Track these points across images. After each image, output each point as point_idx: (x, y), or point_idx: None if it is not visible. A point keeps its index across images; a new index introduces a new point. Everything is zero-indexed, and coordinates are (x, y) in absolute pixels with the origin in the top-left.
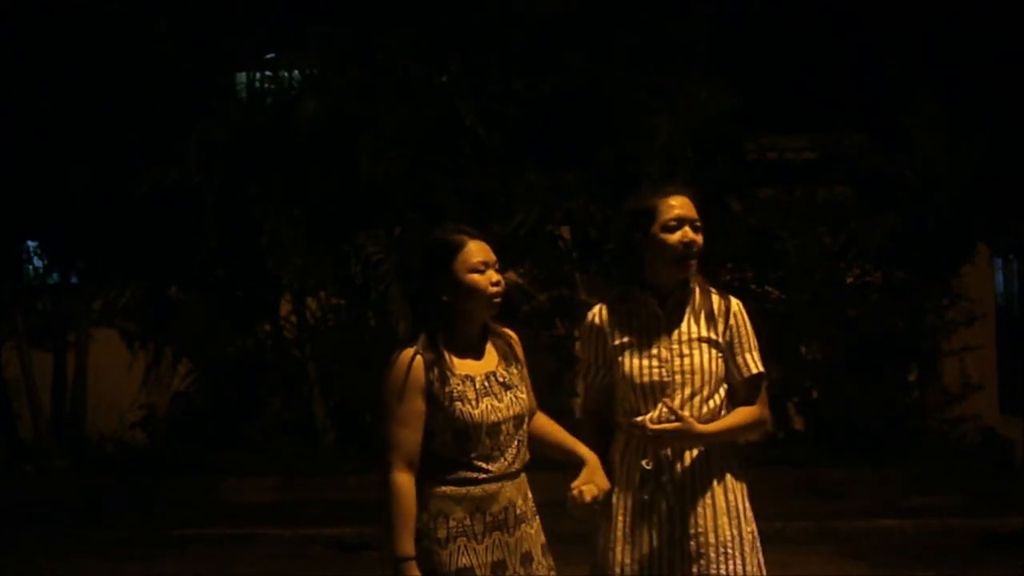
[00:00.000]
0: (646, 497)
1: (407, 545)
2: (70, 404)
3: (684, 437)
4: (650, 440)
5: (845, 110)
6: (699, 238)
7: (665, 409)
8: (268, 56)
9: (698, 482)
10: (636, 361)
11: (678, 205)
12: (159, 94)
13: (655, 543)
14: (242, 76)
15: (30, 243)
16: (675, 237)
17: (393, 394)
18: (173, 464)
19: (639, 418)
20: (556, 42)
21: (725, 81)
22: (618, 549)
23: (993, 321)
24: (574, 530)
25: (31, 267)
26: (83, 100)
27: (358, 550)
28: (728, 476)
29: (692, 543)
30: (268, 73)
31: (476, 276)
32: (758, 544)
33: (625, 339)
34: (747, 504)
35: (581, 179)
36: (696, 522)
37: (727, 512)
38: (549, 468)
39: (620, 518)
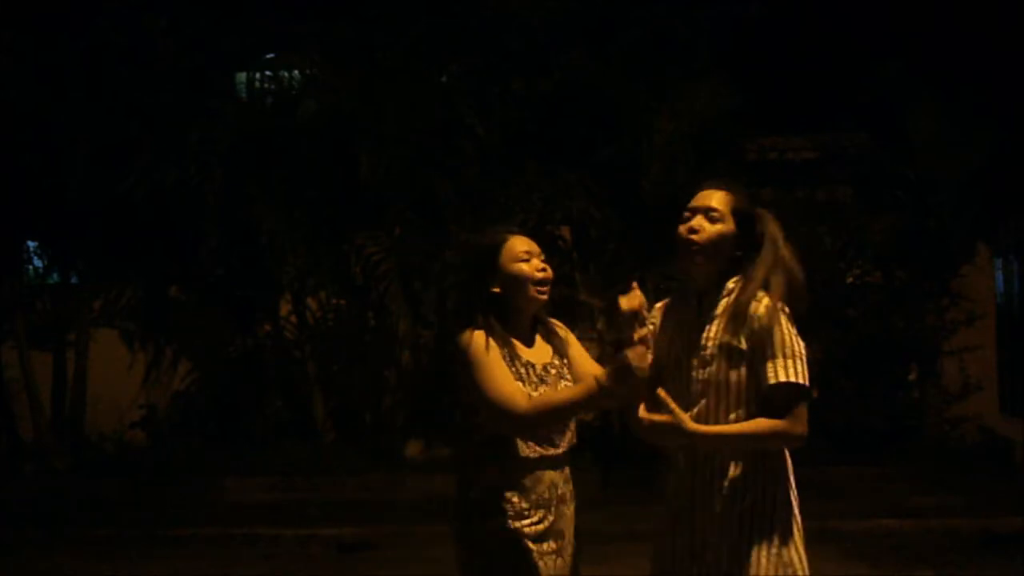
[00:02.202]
0: (675, 501)
1: (595, 369)
2: (70, 404)
3: (675, 433)
4: (645, 432)
5: (845, 110)
6: (710, 229)
7: (660, 394)
8: (268, 56)
9: (719, 487)
10: (668, 362)
11: (701, 195)
12: (159, 93)
13: (676, 549)
14: (242, 76)
15: (30, 243)
16: (681, 228)
17: (479, 360)
18: (173, 464)
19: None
20: (556, 42)
21: (725, 81)
22: (656, 551)
23: (993, 321)
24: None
25: (31, 267)
26: (83, 100)
27: (358, 550)
28: (749, 483)
29: (707, 551)
30: (268, 73)
31: (521, 265)
32: (785, 543)
33: (666, 338)
34: (779, 510)
35: (581, 179)
36: (711, 529)
37: (750, 519)
38: None
39: (663, 521)
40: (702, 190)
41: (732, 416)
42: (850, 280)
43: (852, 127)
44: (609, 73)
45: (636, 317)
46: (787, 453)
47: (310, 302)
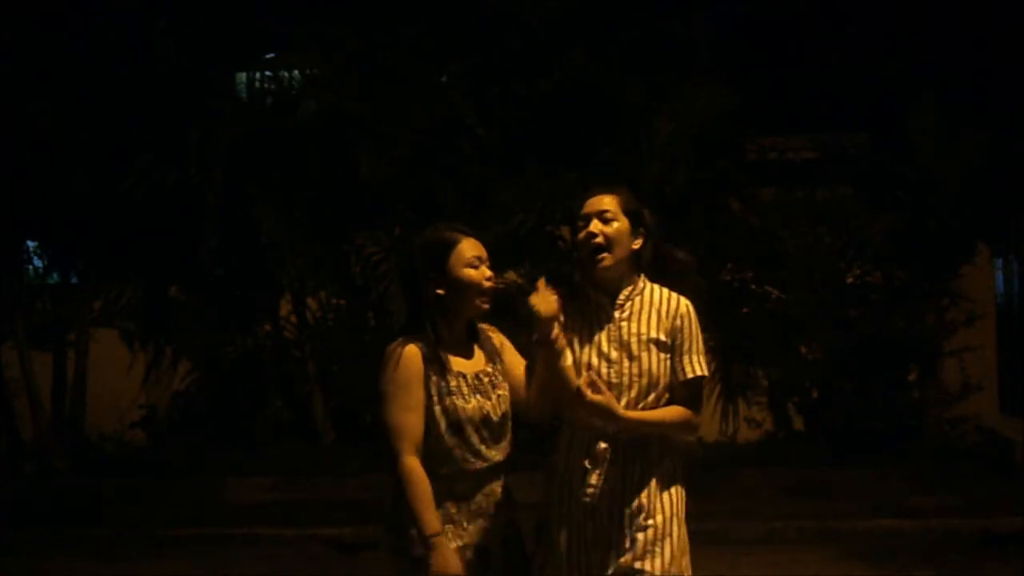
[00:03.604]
0: (585, 498)
1: (435, 522)
2: (70, 404)
3: (605, 415)
4: (580, 404)
5: (845, 110)
6: (607, 229)
7: (594, 377)
8: (268, 56)
9: (634, 480)
10: (586, 358)
11: (591, 202)
12: (159, 93)
13: (589, 540)
14: (242, 76)
15: (30, 243)
16: (580, 236)
17: (397, 384)
18: (173, 464)
19: (580, 381)
20: (556, 42)
21: (725, 81)
22: (559, 545)
23: (993, 321)
24: None
25: (31, 267)
26: (83, 100)
27: (358, 550)
28: (664, 477)
29: (624, 539)
30: (268, 73)
31: (471, 271)
32: (686, 547)
33: (576, 334)
34: (682, 508)
35: (581, 179)
36: (626, 519)
37: (661, 511)
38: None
39: (560, 519)
40: (590, 197)
41: (651, 404)
42: (850, 280)
43: (852, 127)
44: (609, 73)
45: (556, 319)
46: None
47: (310, 302)
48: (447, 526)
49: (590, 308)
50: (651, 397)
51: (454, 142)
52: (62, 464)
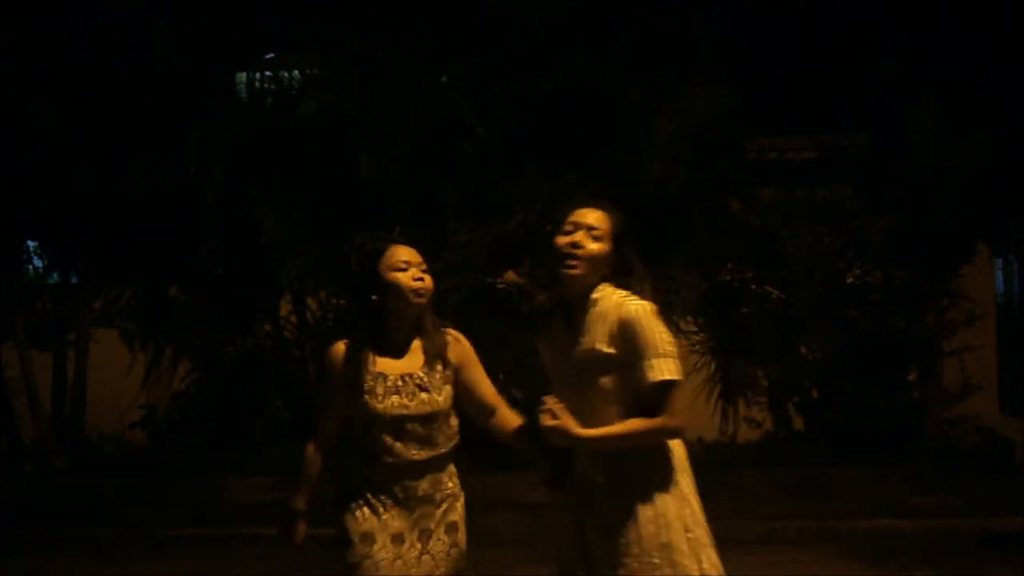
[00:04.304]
0: (577, 507)
1: (299, 500)
2: (70, 404)
3: (564, 437)
4: (541, 432)
5: (845, 110)
6: (592, 247)
7: (550, 404)
8: (268, 56)
9: (612, 495)
10: (553, 376)
11: (583, 211)
12: (159, 93)
13: (583, 553)
14: (242, 76)
15: (30, 243)
16: (561, 240)
17: (320, 380)
18: (173, 464)
19: (541, 410)
20: (556, 42)
21: (725, 81)
22: (563, 553)
23: (993, 321)
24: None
25: (31, 267)
26: (83, 100)
27: None
28: (653, 484)
29: (618, 551)
30: (268, 73)
31: (397, 274)
32: (702, 544)
33: (547, 354)
34: (686, 510)
35: (581, 179)
36: (609, 534)
37: (655, 520)
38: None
39: (567, 531)
40: (581, 207)
41: (616, 416)
42: (850, 280)
43: (852, 127)
44: (609, 73)
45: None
46: (674, 459)
47: (310, 302)
48: (366, 508)
49: (556, 326)
50: (611, 410)
51: (454, 142)
52: (62, 464)
